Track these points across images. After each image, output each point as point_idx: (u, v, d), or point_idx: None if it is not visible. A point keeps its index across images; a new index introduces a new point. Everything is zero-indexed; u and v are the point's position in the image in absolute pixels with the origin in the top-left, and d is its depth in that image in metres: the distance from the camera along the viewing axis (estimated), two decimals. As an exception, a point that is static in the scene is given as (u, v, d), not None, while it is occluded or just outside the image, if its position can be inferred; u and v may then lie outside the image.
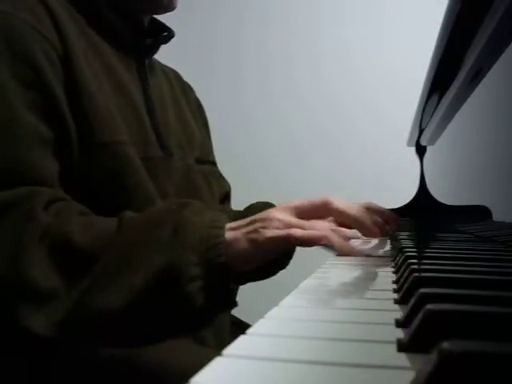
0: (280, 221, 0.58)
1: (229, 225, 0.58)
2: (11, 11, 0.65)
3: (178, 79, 1.01)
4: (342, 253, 0.66)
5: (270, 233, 0.56)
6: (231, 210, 1.02)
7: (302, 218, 0.61)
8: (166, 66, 0.98)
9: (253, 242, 0.56)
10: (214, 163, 1.00)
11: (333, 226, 0.75)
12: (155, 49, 0.88)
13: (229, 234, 0.56)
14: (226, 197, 1.03)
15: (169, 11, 0.84)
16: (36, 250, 0.54)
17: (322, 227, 0.59)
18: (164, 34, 0.87)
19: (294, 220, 0.59)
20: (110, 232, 0.57)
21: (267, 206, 0.92)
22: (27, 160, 0.61)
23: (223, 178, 1.04)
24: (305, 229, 0.57)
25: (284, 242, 0.56)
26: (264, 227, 0.57)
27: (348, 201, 0.69)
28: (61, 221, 0.57)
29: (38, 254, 0.54)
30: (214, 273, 0.54)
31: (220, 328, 0.83)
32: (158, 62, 0.94)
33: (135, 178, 0.71)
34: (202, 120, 1.04)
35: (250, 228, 0.57)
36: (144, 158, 0.74)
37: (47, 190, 0.61)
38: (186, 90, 1.02)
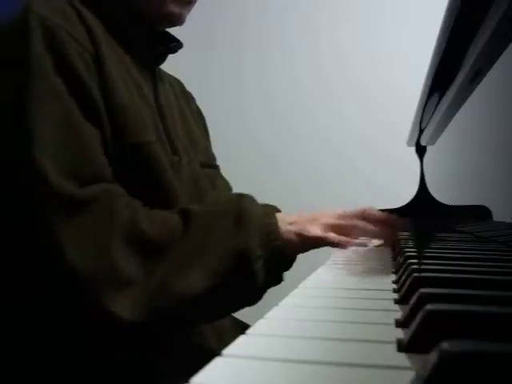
0: (323, 224, 0.73)
1: (283, 218, 0.71)
2: (48, 16, 0.66)
3: (181, 88, 1.04)
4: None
5: (314, 232, 0.72)
6: None
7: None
8: (170, 75, 1.00)
9: (301, 236, 0.71)
10: (217, 167, 1.02)
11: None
12: (164, 58, 0.89)
13: (284, 226, 0.70)
14: None
15: (177, 25, 0.85)
16: (120, 241, 0.61)
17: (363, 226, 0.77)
18: (173, 44, 0.88)
19: (331, 222, 0.74)
20: (180, 225, 0.66)
21: (267, 207, 0.92)
22: (94, 158, 0.65)
23: (225, 180, 1.05)
24: (344, 230, 0.74)
25: (323, 241, 0.72)
26: (311, 227, 0.72)
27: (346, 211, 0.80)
28: (132, 214, 0.64)
29: (121, 245, 0.61)
30: (273, 253, 0.67)
31: (220, 328, 0.83)
32: (163, 71, 0.95)
33: (164, 177, 0.74)
34: (203, 127, 1.05)
35: (301, 225, 0.72)
36: None
37: (117, 186, 0.66)
38: (188, 98, 1.04)
